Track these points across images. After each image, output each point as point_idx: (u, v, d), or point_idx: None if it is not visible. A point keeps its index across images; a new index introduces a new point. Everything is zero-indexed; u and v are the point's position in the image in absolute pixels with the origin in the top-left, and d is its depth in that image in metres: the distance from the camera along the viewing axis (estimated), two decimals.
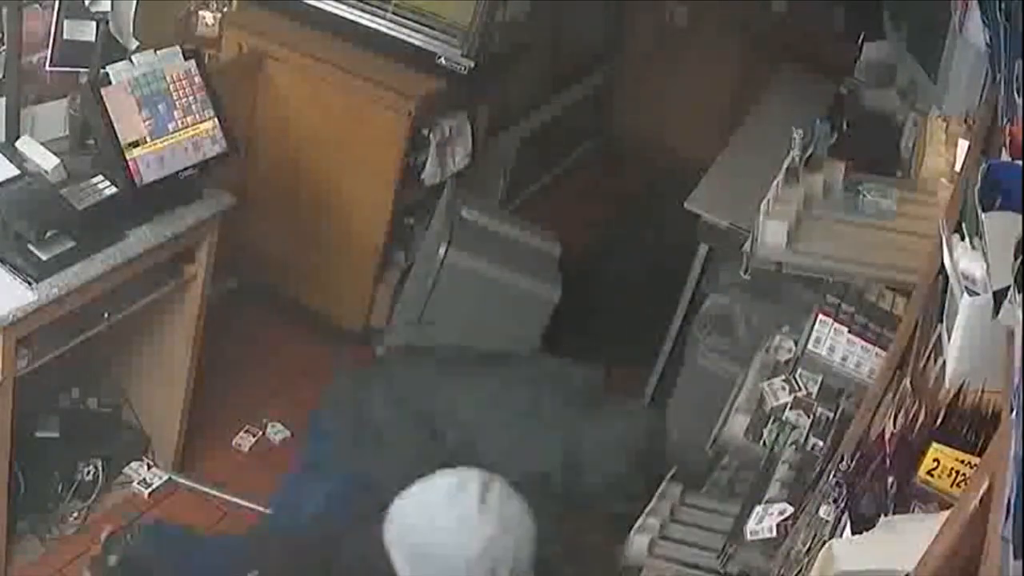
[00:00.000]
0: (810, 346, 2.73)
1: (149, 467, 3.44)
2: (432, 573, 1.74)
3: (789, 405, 2.66)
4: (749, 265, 3.05)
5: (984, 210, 1.42)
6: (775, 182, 3.11)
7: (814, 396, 2.67)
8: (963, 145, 2.84)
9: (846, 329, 2.70)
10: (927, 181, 3.18)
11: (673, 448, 3.33)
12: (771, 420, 2.65)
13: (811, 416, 2.64)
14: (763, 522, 2.28)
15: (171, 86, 2.89)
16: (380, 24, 3.98)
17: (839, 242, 3.03)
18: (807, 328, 2.76)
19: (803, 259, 2.98)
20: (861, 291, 2.80)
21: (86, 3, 2.87)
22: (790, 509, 2.28)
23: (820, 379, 2.70)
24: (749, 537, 2.29)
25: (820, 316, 2.74)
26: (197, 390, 3.39)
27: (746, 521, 2.33)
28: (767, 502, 2.38)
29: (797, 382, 2.70)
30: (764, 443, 2.66)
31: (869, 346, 2.68)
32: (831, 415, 2.63)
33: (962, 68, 2.76)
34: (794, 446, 2.61)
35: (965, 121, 2.77)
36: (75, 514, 3.24)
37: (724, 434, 2.78)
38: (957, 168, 2.90)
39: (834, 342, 2.72)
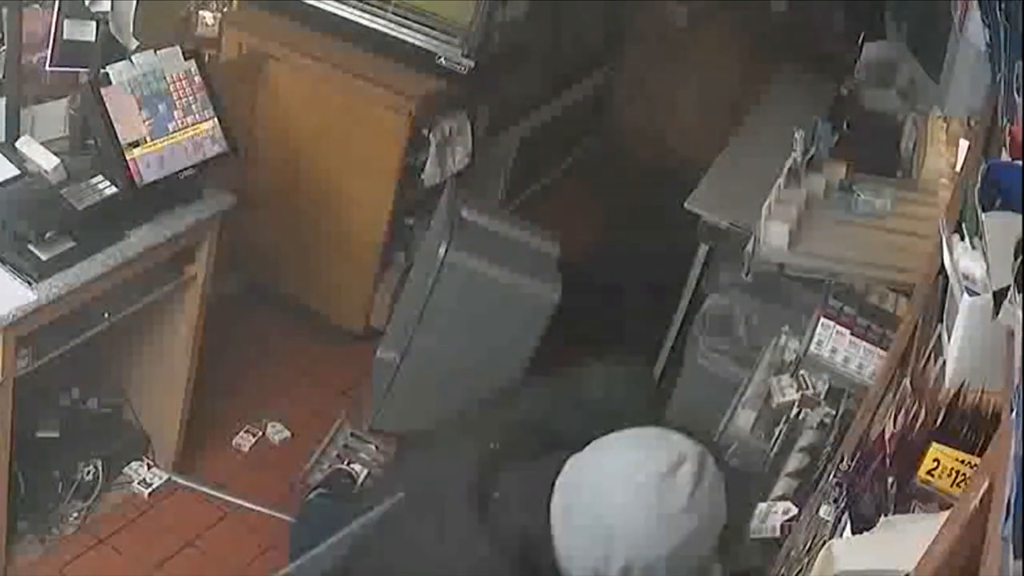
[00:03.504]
0: (812, 348, 2.73)
1: (149, 467, 3.44)
2: (611, 555, 1.46)
3: (796, 403, 2.66)
4: (751, 266, 3.04)
5: (984, 210, 1.42)
6: (777, 183, 3.11)
7: (822, 395, 2.67)
8: (963, 145, 2.85)
9: (848, 332, 2.70)
10: (928, 181, 3.18)
11: None
12: (783, 420, 2.65)
13: (818, 415, 2.64)
14: (767, 521, 2.28)
15: (171, 86, 2.89)
16: (380, 24, 3.98)
17: (841, 243, 3.03)
18: (808, 331, 2.76)
19: (805, 260, 2.98)
20: (863, 293, 2.80)
21: (86, 3, 2.87)
22: (795, 510, 2.27)
23: (828, 378, 2.70)
24: (752, 535, 2.28)
25: (822, 319, 2.74)
26: (197, 390, 3.39)
27: (749, 520, 2.32)
28: (773, 500, 2.37)
29: (805, 380, 2.70)
30: (774, 440, 2.66)
31: (872, 348, 2.68)
32: (835, 414, 2.63)
33: (964, 68, 2.76)
34: (799, 445, 2.61)
35: (968, 122, 2.77)
36: (75, 514, 3.24)
37: (730, 428, 2.78)
38: (958, 168, 2.90)
39: (836, 344, 2.71)
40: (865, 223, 3.10)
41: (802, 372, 2.72)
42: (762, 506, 2.33)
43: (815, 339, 2.72)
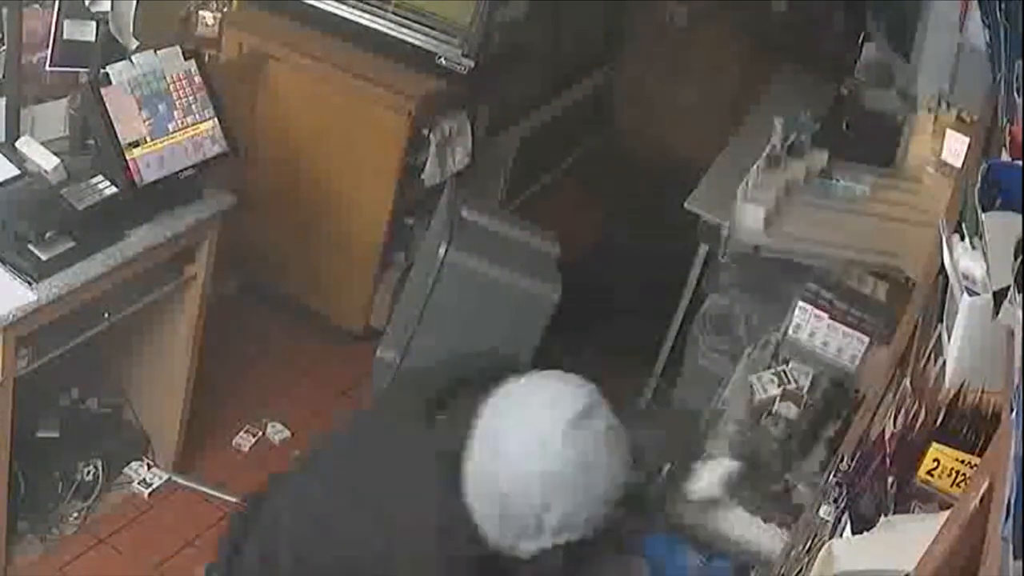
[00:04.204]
0: (790, 332, 2.73)
1: (149, 467, 3.44)
2: (493, 469, 1.59)
3: (778, 398, 2.66)
4: (727, 249, 3.05)
5: (984, 210, 1.42)
6: (754, 167, 3.12)
7: (804, 389, 2.67)
8: (951, 135, 2.86)
9: (826, 315, 2.70)
10: (912, 168, 3.19)
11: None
12: (763, 415, 2.65)
13: (801, 408, 2.64)
14: (704, 479, 2.28)
15: (171, 86, 2.89)
16: (380, 24, 3.98)
17: (818, 227, 3.04)
18: (787, 315, 2.76)
19: (780, 242, 2.99)
20: (840, 277, 2.80)
21: (86, 3, 2.87)
22: (736, 465, 2.28)
23: (810, 372, 2.70)
24: (690, 498, 2.28)
25: (800, 303, 2.74)
26: (197, 390, 3.40)
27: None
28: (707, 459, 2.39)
29: (787, 375, 2.70)
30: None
31: (850, 331, 2.68)
32: (810, 402, 2.64)
33: (932, 49, 2.78)
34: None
35: (940, 104, 2.80)
36: (75, 514, 3.24)
37: (713, 426, 2.79)
38: (943, 157, 2.92)
39: (814, 328, 2.72)
40: (844, 208, 3.11)
41: (783, 367, 2.72)
42: (697, 465, 2.34)
43: (793, 323, 2.73)
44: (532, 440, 1.57)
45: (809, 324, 2.72)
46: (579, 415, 1.57)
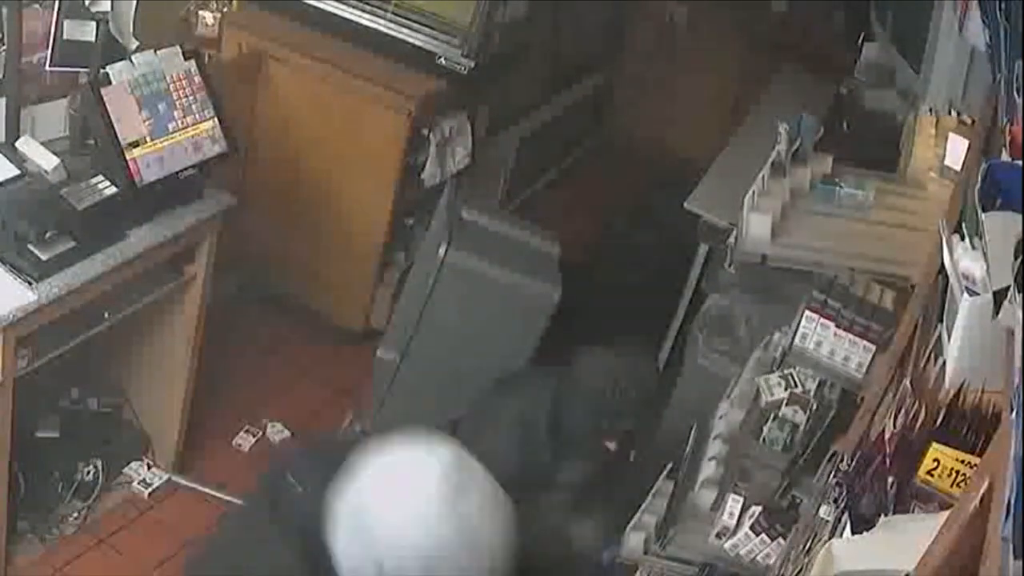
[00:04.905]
0: (796, 342, 2.73)
1: (149, 467, 3.44)
2: (366, 549, 1.48)
3: (785, 401, 2.66)
4: (734, 258, 3.05)
5: (984, 210, 1.42)
6: (760, 175, 3.12)
7: (811, 393, 2.67)
8: (953, 139, 2.86)
9: (832, 324, 2.70)
10: (915, 174, 3.19)
11: (671, 446, 3.33)
12: (771, 417, 2.66)
13: (807, 412, 2.65)
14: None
15: (171, 86, 2.89)
16: (380, 24, 3.98)
17: (824, 234, 3.03)
18: (793, 324, 2.77)
19: (788, 251, 2.98)
20: (847, 286, 2.80)
21: (86, 3, 2.87)
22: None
23: (817, 376, 2.71)
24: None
25: (806, 312, 2.74)
26: (197, 390, 3.40)
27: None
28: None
29: (794, 378, 2.70)
30: (764, 440, 2.67)
31: (857, 340, 2.68)
32: (820, 406, 2.65)
33: (944, 58, 2.77)
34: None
35: (951, 113, 2.78)
36: (75, 514, 3.24)
37: (717, 426, 2.80)
38: (947, 162, 2.91)
39: (821, 337, 2.71)
40: (850, 216, 3.11)
41: (790, 371, 2.72)
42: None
43: (800, 332, 2.73)
44: (407, 520, 1.48)
45: (816, 333, 2.71)
46: (454, 489, 1.48)
